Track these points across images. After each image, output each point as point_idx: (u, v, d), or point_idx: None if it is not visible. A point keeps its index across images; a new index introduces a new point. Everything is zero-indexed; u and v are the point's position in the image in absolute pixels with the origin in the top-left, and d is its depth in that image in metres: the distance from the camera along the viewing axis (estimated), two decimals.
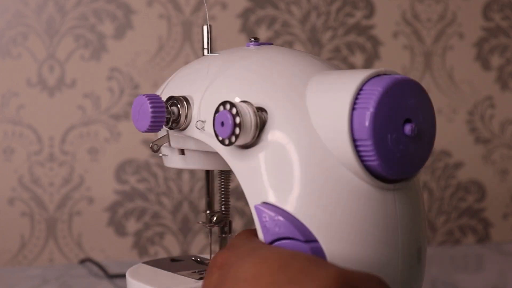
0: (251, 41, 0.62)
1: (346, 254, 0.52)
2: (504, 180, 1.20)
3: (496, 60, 1.18)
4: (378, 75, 0.53)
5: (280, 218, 0.52)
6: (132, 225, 1.10)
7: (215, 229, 0.71)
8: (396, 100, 0.52)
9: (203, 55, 0.66)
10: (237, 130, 0.53)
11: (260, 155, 0.54)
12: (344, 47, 1.13)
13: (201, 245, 1.11)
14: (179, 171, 1.09)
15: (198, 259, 0.71)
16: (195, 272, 0.67)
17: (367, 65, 1.13)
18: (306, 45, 1.11)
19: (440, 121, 1.17)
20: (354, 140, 0.52)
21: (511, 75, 1.19)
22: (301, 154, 0.53)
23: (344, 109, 0.52)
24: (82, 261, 1.05)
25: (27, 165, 1.06)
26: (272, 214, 0.52)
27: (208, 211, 0.70)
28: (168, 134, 0.63)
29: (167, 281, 0.64)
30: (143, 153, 1.09)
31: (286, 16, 1.11)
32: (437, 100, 1.16)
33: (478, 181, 1.19)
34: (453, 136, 1.18)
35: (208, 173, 0.71)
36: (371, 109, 0.51)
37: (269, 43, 0.63)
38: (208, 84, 0.59)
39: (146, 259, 1.08)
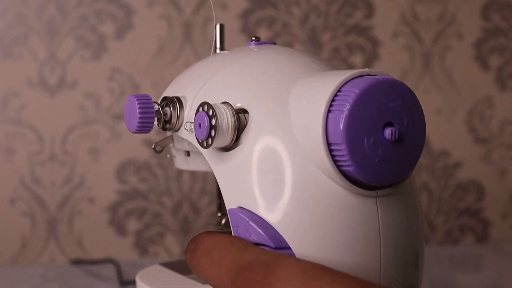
0: (252, 40, 0.61)
1: (320, 261, 0.50)
2: (503, 180, 1.20)
3: (495, 61, 1.18)
4: (361, 75, 0.51)
5: (252, 223, 0.50)
6: (132, 225, 1.10)
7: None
8: (375, 103, 0.49)
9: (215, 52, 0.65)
10: (212, 132, 0.52)
11: (237, 158, 0.53)
12: (344, 47, 1.13)
13: None
14: (180, 171, 1.09)
15: None
16: None
17: (367, 65, 1.13)
18: (306, 46, 1.12)
19: (439, 121, 1.17)
20: (329, 144, 0.50)
21: (510, 76, 1.19)
22: (277, 158, 0.51)
23: (319, 112, 0.50)
24: (75, 262, 1.05)
25: (28, 165, 1.06)
26: (244, 219, 0.51)
27: (218, 214, 0.69)
28: (172, 135, 0.63)
29: (175, 286, 0.63)
30: (144, 153, 1.09)
31: (286, 17, 1.11)
32: (436, 100, 1.16)
33: (477, 181, 1.19)
34: (452, 136, 1.18)
35: None
36: (346, 112, 0.49)
37: (271, 42, 0.62)
38: (201, 84, 0.59)
39: (147, 259, 1.09)
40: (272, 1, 1.11)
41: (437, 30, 1.15)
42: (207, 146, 0.53)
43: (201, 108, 0.54)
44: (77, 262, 1.04)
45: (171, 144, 0.63)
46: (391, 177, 0.51)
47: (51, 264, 1.07)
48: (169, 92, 0.62)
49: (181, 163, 0.65)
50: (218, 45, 0.65)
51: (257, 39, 0.61)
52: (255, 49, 0.60)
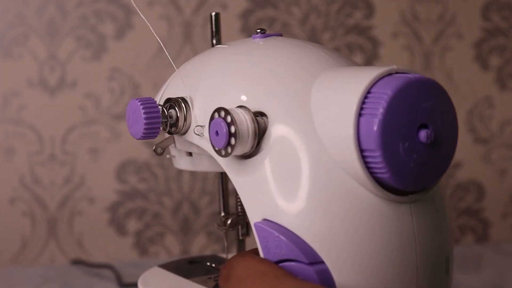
0: (257, 32, 0.57)
1: (357, 276, 0.47)
2: (503, 180, 1.20)
3: (495, 61, 1.18)
4: (390, 74, 0.48)
5: (282, 237, 0.47)
6: (132, 225, 1.10)
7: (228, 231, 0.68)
8: (409, 104, 0.46)
9: (212, 46, 0.63)
10: (232, 140, 0.49)
11: (260, 166, 0.49)
12: (344, 47, 1.13)
13: (201, 245, 1.11)
14: (180, 171, 1.09)
15: (213, 265, 0.67)
16: (210, 278, 0.64)
17: (367, 65, 1.12)
18: None
19: None
20: (361, 151, 0.47)
21: (510, 76, 1.19)
22: (305, 165, 0.48)
23: (350, 116, 0.47)
24: (75, 263, 1.04)
25: (28, 165, 1.06)
26: (273, 232, 0.48)
27: (222, 214, 0.67)
28: (173, 135, 0.60)
29: None
30: (144, 153, 1.09)
31: (286, 17, 1.11)
32: None
33: (477, 181, 1.19)
34: None
35: (221, 174, 0.67)
36: (379, 117, 0.45)
37: (278, 34, 0.58)
38: (208, 83, 0.55)
39: (147, 259, 1.09)
40: (272, 1, 1.10)
41: (437, 30, 1.15)
42: (226, 155, 0.50)
43: (217, 114, 0.50)
44: (77, 263, 1.04)
45: (171, 145, 0.61)
46: (426, 181, 0.48)
47: (51, 264, 1.07)
48: (170, 92, 0.59)
49: (181, 163, 0.63)
50: (214, 41, 0.63)
51: (263, 31, 0.57)
52: (261, 42, 0.56)
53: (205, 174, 1.10)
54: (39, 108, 1.06)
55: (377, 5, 1.13)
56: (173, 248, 1.11)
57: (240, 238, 0.66)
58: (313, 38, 1.12)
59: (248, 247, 0.63)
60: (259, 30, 0.57)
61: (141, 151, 1.09)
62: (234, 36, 1.10)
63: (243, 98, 0.52)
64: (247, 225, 0.66)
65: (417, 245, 0.48)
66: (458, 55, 1.16)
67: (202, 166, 0.61)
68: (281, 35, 0.58)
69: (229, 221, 0.65)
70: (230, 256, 0.66)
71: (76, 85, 1.07)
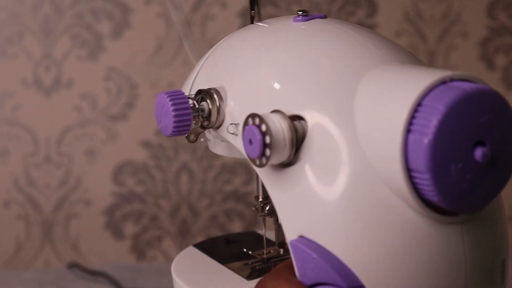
0: (299, 14, 0.53)
1: None
2: (509, 182, 1.19)
3: (501, 60, 1.17)
4: (444, 82, 0.43)
5: (320, 259, 0.45)
6: (129, 228, 1.10)
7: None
8: (464, 119, 0.42)
9: (251, 22, 0.59)
10: (267, 152, 0.46)
11: (297, 177, 0.46)
12: None
13: None
14: (178, 173, 1.09)
15: (250, 252, 0.64)
16: (247, 264, 0.62)
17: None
18: None
19: None
20: (409, 170, 0.43)
21: None
22: (346, 179, 0.45)
23: (397, 132, 0.43)
24: (71, 266, 1.04)
25: (22, 166, 1.06)
26: (310, 254, 0.45)
27: (260, 199, 0.62)
28: None
29: (211, 279, 0.59)
30: (141, 155, 1.09)
31: (286, 15, 1.09)
32: None
33: None
34: None
35: None
36: (430, 136, 0.41)
37: (322, 15, 0.53)
38: (242, 74, 0.51)
39: (144, 263, 1.09)
40: None
41: (441, 28, 1.15)
42: (261, 165, 0.47)
43: (250, 120, 0.47)
44: (72, 267, 1.04)
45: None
46: (480, 202, 0.44)
47: (46, 268, 1.07)
48: (200, 83, 0.55)
49: (216, 148, 0.59)
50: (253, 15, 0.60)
51: (305, 13, 0.53)
52: (303, 26, 0.52)
53: (204, 175, 1.10)
54: (34, 109, 1.06)
55: (380, 3, 1.13)
56: (171, 252, 1.11)
57: (280, 223, 0.63)
58: None
59: None
60: (300, 12, 0.53)
61: (139, 153, 1.09)
62: None
63: (280, 96, 0.49)
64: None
65: (468, 270, 0.46)
66: (463, 54, 1.16)
67: (238, 152, 0.56)
68: (325, 17, 0.54)
69: (267, 207, 0.62)
70: (267, 236, 0.64)
71: (72, 85, 1.06)
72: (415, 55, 0.52)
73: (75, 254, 1.09)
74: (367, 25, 1.14)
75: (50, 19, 1.05)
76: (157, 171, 1.09)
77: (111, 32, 1.07)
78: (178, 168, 1.10)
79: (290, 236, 0.47)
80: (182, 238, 1.11)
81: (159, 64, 1.08)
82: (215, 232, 1.11)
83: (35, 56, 1.05)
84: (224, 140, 0.55)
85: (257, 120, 0.46)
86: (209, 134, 0.58)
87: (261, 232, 0.67)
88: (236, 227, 1.12)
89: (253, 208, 0.64)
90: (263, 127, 0.46)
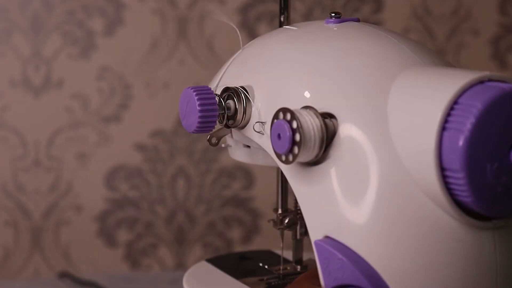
0: (332, 17, 0.54)
1: None
2: None
3: None
4: (481, 82, 0.45)
5: (345, 260, 0.45)
6: (123, 236, 1.10)
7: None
8: (501, 119, 0.43)
9: (280, 26, 0.61)
10: (295, 149, 0.47)
11: (326, 176, 0.47)
12: None
13: (197, 257, 1.11)
14: (174, 178, 1.09)
15: (266, 266, 0.65)
16: (262, 280, 0.62)
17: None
18: None
19: None
20: (442, 169, 0.44)
21: None
22: (376, 178, 0.46)
23: (432, 128, 0.44)
24: (62, 275, 1.04)
25: (10, 171, 1.06)
26: (335, 254, 0.46)
27: (280, 211, 0.64)
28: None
29: None
30: (135, 159, 1.08)
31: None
32: None
33: None
34: None
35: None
36: (466, 133, 0.42)
37: (355, 19, 0.55)
38: (271, 73, 0.53)
39: (139, 272, 1.09)
40: None
41: (451, 25, 1.15)
42: (288, 162, 0.48)
43: (281, 114, 0.48)
44: (63, 276, 1.03)
45: (228, 134, 0.59)
46: None
47: (35, 277, 1.07)
48: (227, 81, 0.56)
49: (238, 154, 0.61)
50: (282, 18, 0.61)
51: (338, 16, 0.55)
52: (335, 28, 0.54)
53: (201, 180, 1.10)
54: (22, 110, 1.06)
55: None
56: (167, 260, 1.11)
57: (298, 237, 0.64)
58: None
59: (306, 247, 0.63)
60: (333, 14, 0.55)
61: (133, 156, 1.08)
62: (232, 32, 1.09)
63: (311, 94, 0.50)
64: (305, 225, 0.64)
65: (499, 279, 0.46)
66: (474, 53, 1.16)
67: (260, 159, 0.59)
68: (358, 20, 0.55)
69: (286, 220, 0.63)
70: (285, 255, 0.65)
71: (62, 85, 1.06)
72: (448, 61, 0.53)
73: (66, 263, 1.08)
74: (373, 22, 1.13)
75: (39, 15, 1.05)
76: (152, 176, 1.09)
77: (104, 29, 1.07)
78: (174, 172, 1.10)
79: (315, 236, 0.47)
80: (179, 246, 1.11)
81: (154, 63, 1.08)
82: (213, 240, 1.11)
83: (23, 55, 1.05)
84: (247, 141, 0.56)
85: (288, 115, 0.47)
86: (230, 139, 0.60)
87: (278, 251, 0.68)
88: (235, 234, 1.12)
89: (271, 221, 0.65)
90: (294, 123, 0.46)
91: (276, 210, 0.65)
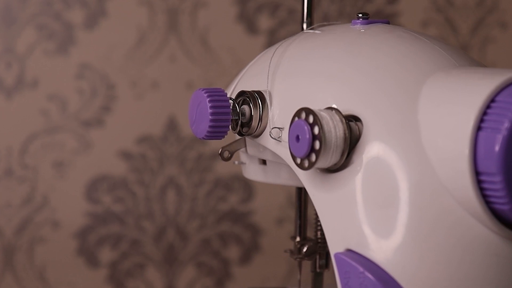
0: (359, 17, 0.56)
1: None
2: None
3: None
4: None
5: (368, 274, 0.46)
6: (106, 255, 1.10)
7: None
8: None
9: (302, 29, 0.63)
10: (313, 157, 0.48)
11: (348, 183, 0.48)
12: None
13: (189, 279, 1.11)
14: (163, 189, 1.10)
15: None
16: None
17: None
18: None
19: None
20: (477, 173, 0.44)
21: None
22: (405, 186, 0.46)
23: (466, 128, 0.44)
24: None
25: None
26: (357, 267, 0.46)
27: (298, 239, 0.66)
28: (244, 138, 0.59)
29: None
30: (120, 168, 1.09)
31: (292, 2, 1.11)
32: None
33: None
34: None
35: (300, 190, 0.67)
36: (504, 132, 0.43)
37: (384, 21, 0.57)
38: (292, 76, 0.54)
39: None
40: None
41: (475, 18, 1.16)
42: (308, 167, 0.48)
43: (303, 114, 0.49)
44: None
45: (242, 149, 0.60)
46: None
47: None
48: (245, 84, 0.58)
49: (252, 172, 0.62)
50: (305, 19, 0.63)
51: (365, 16, 0.56)
52: (362, 30, 0.55)
53: (193, 193, 1.10)
54: None
55: None
56: (155, 282, 1.11)
57: (318, 270, 0.66)
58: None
59: (326, 282, 0.64)
60: (360, 15, 0.56)
61: (117, 165, 1.09)
62: (229, 26, 1.10)
63: (334, 97, 0.51)
64: (327, 255, 0.65)
65: None
66: (501, 48, 1.17)
67: (277, 177, 0.61)
68: (388, 23, 0.57)
69: (305, 249, 0.64)
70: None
71: (37, 85, 1.06)
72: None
73: (42, 285, 1.08)
74: (388, 14, 1.14)
75: (11, 6, 1.04)
76: (138, 187, 1.10)
77: (84, 22, 1.07)
78: (163, 183, 1.10)
79: (335, 248, 0.48)
80: (169, 266, 1.11)
81: (141, 60, 1.08)
82: (208, 260, 1.11)
83: None
84: (263, 154, 0.58)
85: (310, 117, 0.48)
86: (244, 155, 0.62)
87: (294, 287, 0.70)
88: (233, 253, 1.11)
89: (288, 251, 0.66)
90: (316, 128, 0.47)
91: (293, 238, 0.66)
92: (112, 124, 1.07)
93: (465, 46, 1.15)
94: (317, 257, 0.65)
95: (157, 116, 1.07)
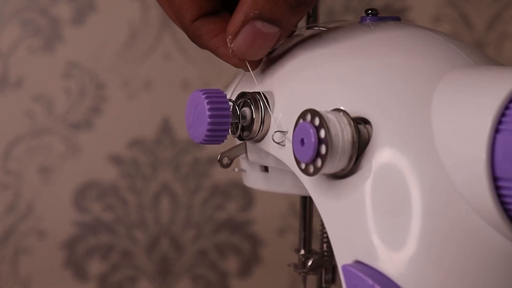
0: (367, 14, 0.55)
1: None
2: None
3: None
4: None
5: (378, 286, 0.45)
6: (95, 267, 1.09)
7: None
8: None
9: (306, 26, 0.62)
10: (318, 162, 0.47)
11: (357, 190, 0.48)
12: None
13: None
14: (156, 196, 1.09)
15: None
16: None
17: None
18: None
19: None
20: (495, 179, 0.43)
21: None
22: (418, 194, 0.46)
23: (483, 131, 0.44)
24: None
25: None
26: (366, 280, 0.46)
27: (302, 252, 0.65)
28: (245, 142, 0.58)
29: None
30: (110, 174, 1.09)
31: None
32: None
33: None
34: None
35: (305, 199, 0.66)
36: None
37: (395, 17, 0.56)
38: (296, 77, 0.54)
39: None
40: None
41: (491, 13, 1.16)
42: (313, 173, 0.48)
43: (308, 116, 0.48)
44: None
45: (242, 155, 0.59)
46: None
47: None
48: (244, 87, 0.57)
49: (252, 180, 0.61)
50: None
51: (374, 13, 0.55)
52: (372, 27, 0.55)
53: (189, 201, 1.10)
54: None
55: None
56: None
57: (324, 286, 0.65)
58: None
59: None
60: (369, 11, 0.55)
61: (107, 171, 1.09)
62: None
63: (341, 98, 0.50)
64: (333, 269, 0.65)
65: None
66: None
67: (280, 185, 0.60)
68: (399, 19, 0.56)
69: (310, 262, 0.64)
70: None
71: (22, 85, 1.06)
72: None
73: None
74: (397, 9, 1.14)
75: None
76: (130, 194, 1.09)
77: (72, 17, 1.07)
78: (157, 190, 1.10)
79: (342, 260, 0.47)
80: (162, 280, 1.11)
81: (133, 58, 1.08)
82: (204, 272, 1.11)
83: None
84: (264, 160, 0.58)
85: (316, 120, 0.47)
86: (244, 162, 0.61)
87: None
88: (231, 265, 1.11)
89: (291, 265, 0.66)
90: (322, 131, 0.47)
91: (298, 250, 0.65)
92: (102, 126, 1.07)
93: (481, 43, 1.15)
94: (323, 271, 0.64)
95: (150, 118, 1.07)
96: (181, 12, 0.55)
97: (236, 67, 0.54)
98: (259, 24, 0.52)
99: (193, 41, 0.56)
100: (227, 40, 0.53)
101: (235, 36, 0.52)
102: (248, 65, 0.55)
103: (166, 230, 1.10)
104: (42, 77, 1.06)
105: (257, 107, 0.54)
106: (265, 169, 0.60)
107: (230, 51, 0.53)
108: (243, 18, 0.52)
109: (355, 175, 0.48)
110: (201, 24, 0.55)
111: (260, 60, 0.55)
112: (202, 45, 0.55)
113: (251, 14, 0.52)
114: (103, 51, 1.07)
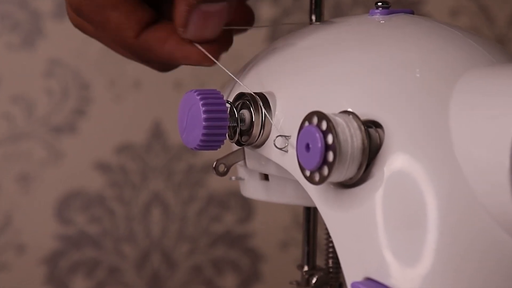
0: (378, 6, 0.55)
1: None
2: None
3: None
4: None
5: None
6: (79, 284, 1.10)
7: None
8: None
9: (310, 23, 0.63)
10: (325, 170, 0.47)
11: (367, 201, 0.48)
12: None
13: None
14: (147, 207, 1.10)
15: None
16: None
17: None
18: None
19: None
20: None
21: None
22: (435, 205, 0.46)
23: (506, 136, 0.44)
24: None
25: None
26: None
27: (306, 268, 0.65)
28: (243, 148, 0.58)
29: None
30: (96, 182, 1.09)
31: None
32: None
33: None
34: None
35: (308, 210, 0.66)
36: None
37: (408, 10, 0.56)
38: (300, 76, 0.54)
39: None
40: None
41: None
42: (319, 181, 0.47)
43: (314, 119, 0.48)
44: None
45: (240, 162, 0.59)
46: None
47: None
48: (243, 87, 0.57)
49: (251, 189, 0.62)
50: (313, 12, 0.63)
51: (385, 5, 0.55)
52: (382, 21, 0.55)
53: (182, 212, 1.10)
54: None
55: None
56: None
57: None
58: (338, 16, 1.10)
59: None
60: (380, 4, 0.55)
61: (92, 179, 1.09)
62: None
63: (350, 99, 0.50)
64: (340, 286, 0.65)
65: None
66: None
67: (282, 195, 0.61)
68: (412, 12, 0.56)
69: (314, 279, 0.64)
70: None
71: None
72: None
73: None
74: (410, 1, 1.14)
75: None
76: (118, 204, 1.10)
77: (54, 10, 1.07)
78: (147, 200, 1.10)
79: (352, 277, 0.47)
80: None
81: (120, 55, 1.06)
82: None
83: None
84: (265, 168, 0.58)
85: (323, 124, 0.47)
86: (242, 169, 0.61)
87: None
88: (229, 282, 1.11)
89: (294, 282, 0.66)
90: (329, 137, 0.47)
91: (301, 266, 0.66)
92: (87, 130, 1.07)
93: (502, 38, 1.16)
94: None
95: (139, 121, 1.07)
96: (121, 31, 0.56)
97: (199, 65, 0.55)
98: (204, 7, 0.54)
99: (140, 58, 0.58)
100: (179, 32, 0.55)
101: (185, 26, 0.54)
102: (214, 60, 0.57)
103: (157, 244, 1.10)
104: (21, 76, 1.06)
105: (257, 109, 0.54)
106: (265, 177, 0.60)
107: (187, 39, 0.55)
108: (187, 7, 0.54)
109: (365, 183, 0.48)
110: (146, 36, 0.57)
111: (222, 50, 0.58)
112: (154, 56, 0.57)
113: (192, 0, 0.54)
114: (88, 48, 1.06)
